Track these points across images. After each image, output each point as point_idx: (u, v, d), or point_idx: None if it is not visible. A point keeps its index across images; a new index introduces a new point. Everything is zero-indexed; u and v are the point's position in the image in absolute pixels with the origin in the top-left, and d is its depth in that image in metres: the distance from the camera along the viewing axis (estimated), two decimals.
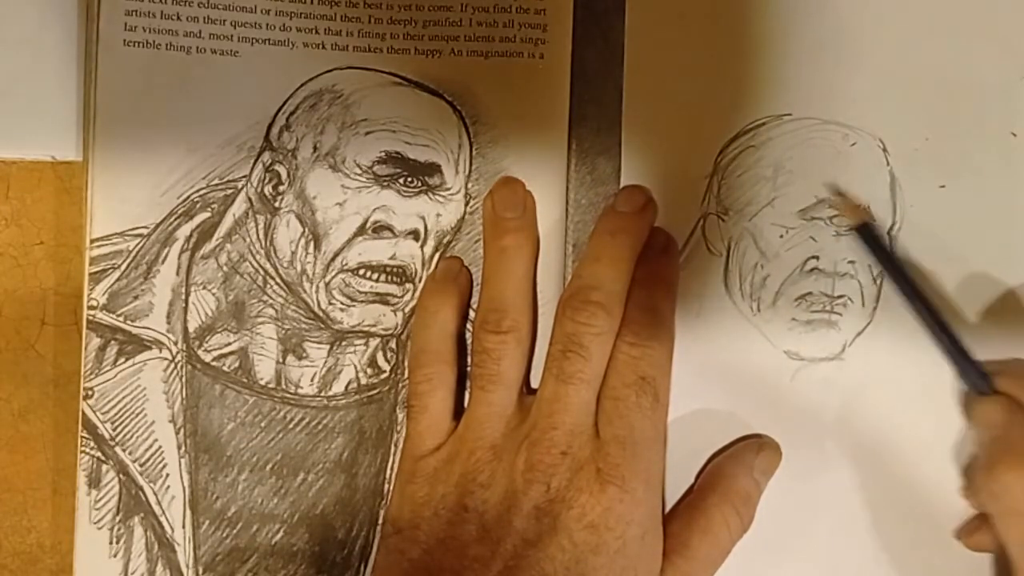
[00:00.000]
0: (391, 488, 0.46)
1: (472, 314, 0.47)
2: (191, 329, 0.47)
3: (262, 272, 0.47)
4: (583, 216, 0.47)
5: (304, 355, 0.47)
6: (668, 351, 0.44)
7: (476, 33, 0.47)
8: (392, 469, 0.47)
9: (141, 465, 0.46)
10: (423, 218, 0.47)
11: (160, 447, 0.46)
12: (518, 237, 0.46)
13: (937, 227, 0.47)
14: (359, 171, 0.47)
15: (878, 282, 0.47)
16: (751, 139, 0.47)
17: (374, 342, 0.47)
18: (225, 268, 0.47)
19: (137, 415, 0.46)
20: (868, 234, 0.45)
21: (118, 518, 0.46)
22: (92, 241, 0.46)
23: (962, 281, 0.46)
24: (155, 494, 0.46)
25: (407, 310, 0.47)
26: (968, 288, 0.45)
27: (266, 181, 0.47)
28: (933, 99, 0.47)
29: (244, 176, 0.47)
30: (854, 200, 0.46)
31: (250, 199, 0.47)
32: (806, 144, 0.47)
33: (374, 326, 0.47)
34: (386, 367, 0.47)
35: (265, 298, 0.47)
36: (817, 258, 0.47)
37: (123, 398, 0.46)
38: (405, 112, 0.47)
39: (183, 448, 0.46)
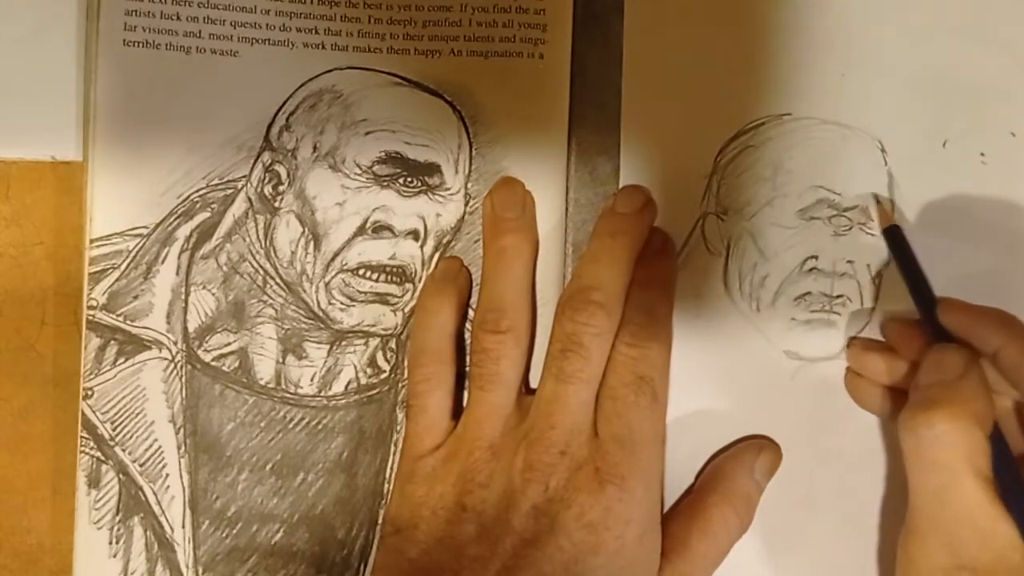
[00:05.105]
0: (391, 488, 0.46)
1: (472, 314, 0.47)
2: (191, 329, 0.47)
3: (262, 272, 0.47)
4: (583, 216, 0.47)
5: (304, 355, 0.47)
6: (666, 351, 0.44)
7: (476, 33, 0.47)
8: (392, 469, 0.47)
9: (141, 465, 0.46)
10: (423, 218, 0.47)
11: (160, 447, 0.46)
12: (517, 237, 0.46)
13: (935, 227, 0.47)
14: (359, 171, 0.47)
15: (877, 282, 0.47)
16: (750, 139, 0.47)
17: (374, 342, 0.47)
18: (225, 268, 0.47)
19: (137, 415, 0.46)
20: (895, 237, 0.46)
21: (118, 518, 0.46)
22: (92, 241, 0.46)
23: (961, 282, 0.46)
24: (155, 494, 0.46)
25: (407, 310, 0.47)
26: (967, 288, 0.45)
27: (266, 181, 0.47)
28: (932, 99, 0.47)
29: (244, 176, 0.47)
30: (886, 206, 0.46)
31: (250, 199, 0.47)
32: (805, 144, 0.47)
33: (374, 326, 0.47)
34: (386, 367, 0.47)
35: (265, 298, 0.47)
36: (816, 258, 0.47)
37: (123, 398, 0.46)
38: (405, 112, 0.47)
39: (183, 448, 0.46)
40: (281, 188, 0.47)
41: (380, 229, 0.47)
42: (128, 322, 0.46)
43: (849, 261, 0.47)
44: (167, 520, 0.46)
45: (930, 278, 0.45)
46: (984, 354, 0.42)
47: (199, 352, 0.47)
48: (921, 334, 0.44)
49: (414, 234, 0.47)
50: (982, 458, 0.40)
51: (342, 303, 0.47)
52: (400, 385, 0.47)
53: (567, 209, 0.47)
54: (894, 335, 0.46)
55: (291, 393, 0.47)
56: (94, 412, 0.46)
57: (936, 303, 0.44)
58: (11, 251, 0.48)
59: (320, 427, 0.47)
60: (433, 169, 0.47)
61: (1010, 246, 0.47)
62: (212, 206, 0.47)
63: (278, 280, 0.47)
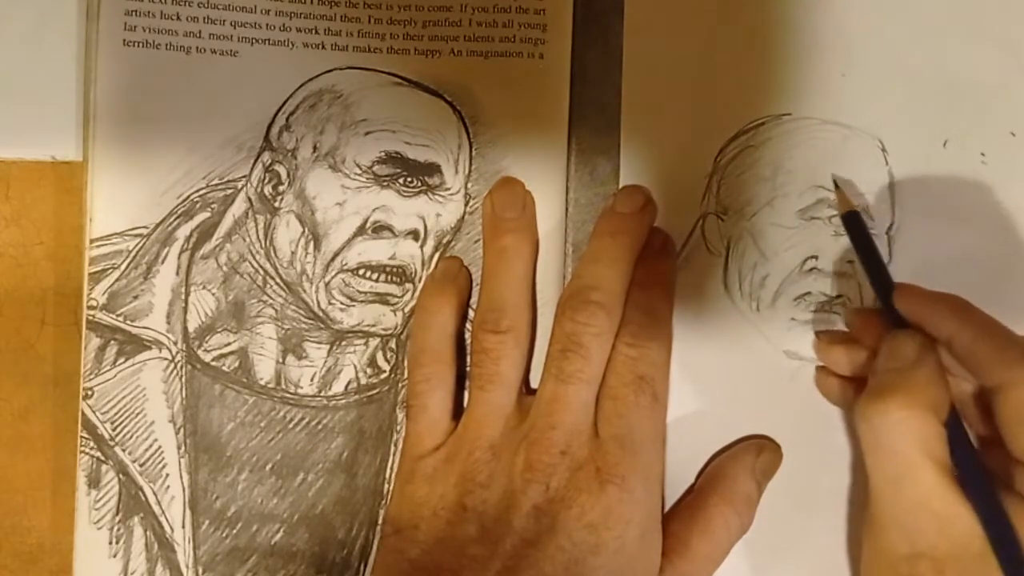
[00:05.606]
0: (391, 488, 0.46)
1: (472, 314, 0.47)
2: (191, 329, 0.47)
3: (262, 272, 0.47)
4: (583, 216, 0.47)
5: (304, 355, 0.47)
6: (666, 351, 0.44)
7: (476, 33, 0.47)
8: (392, 469, 0.47)
9: (141, 465, 0.46)
10: (423, 218, 0.47)
11: (160, 447, 0.46)
12: (517, 237, 0.46)
13: (935, 227, 0.47)
14: (359, 171, 0.47)
15: None
16: (750, 139, 0.47)
17: (374, 342, 0.47)
18: (225, 268, 0.47)
19: (137, 415, 0.46)
20: (854, 222, 0.46)
21: (118, 518, 0.46)
22: (92, 241, 0.46)
23: (960, 282, 0.46)
24: (155, 494, 0.46)
25: (407, 310, 0.47)
26: (966, 289, 0.45)
27: (266, 181, 0.47)
28: (932, 99, 0.47)
29: (244, 176, 0.47)
30: (849, 194, 0.46)
31: (250, 199, 0.47)
32: (805, 144, 0.47)
33: (374, 326, 0.47)
34: (386, 367, 0.47)
35: (265, 298, 0.47)
36: (816, 258, 0.47)
37: (123, 398, 0.46)
38: (405, 112, 0.47)
39: (183, 448, 0.46)
40: (281, 188, 0.47)
41: (380, 229, 0.47)
42: (128, 322, 0.46)
43: (849, 261, 0.47)
44: (167, 520, 0.46)
45: (928, 278, 0.45)
46: (939, 340, 0.42)
47: (199, 352, 0.47)
48: (881, 322, 0.44)
49: (414, 234, 0.47)
50: (938, 445, 0.39)
51: (342, 303, 0.47)
52: (400, 385, 0.47)
53: (567, 209, 0.47)
54: (855, 323, 0.46)
55: (291, 393, 0.47)
56: (94, 412, 0.46)
57: (893, 289, 0.44)
58: (11, 251, 0.48)
59: (320, 427, 0.47)
60: (433, 169, 0.47)
61: (1010, 246, 0.47)
62: (212, 206, 0.47)
63: (278, 280, 0.47)
